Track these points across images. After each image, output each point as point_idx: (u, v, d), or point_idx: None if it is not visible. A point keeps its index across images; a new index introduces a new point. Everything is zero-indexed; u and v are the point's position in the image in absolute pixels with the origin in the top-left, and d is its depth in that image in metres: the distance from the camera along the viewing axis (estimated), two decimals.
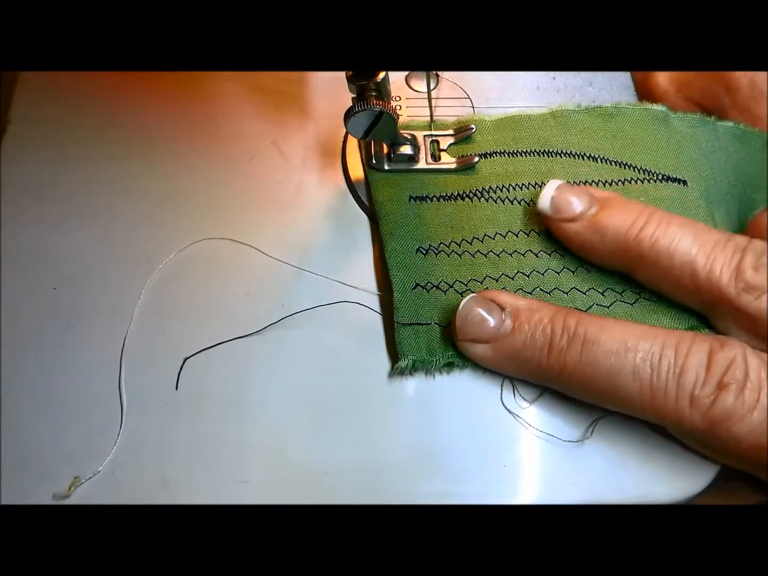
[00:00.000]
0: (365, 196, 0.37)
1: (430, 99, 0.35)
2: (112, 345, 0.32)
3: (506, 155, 0.37)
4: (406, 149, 0.36)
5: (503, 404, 0.32)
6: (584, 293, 0.34)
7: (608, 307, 0.33)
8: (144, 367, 0.32)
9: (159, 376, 0.32)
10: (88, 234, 0.35)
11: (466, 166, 0.37)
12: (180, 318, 0.33)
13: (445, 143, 0.37)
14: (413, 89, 0.40)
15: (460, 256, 0.34)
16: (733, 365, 0.28)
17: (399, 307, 0.33)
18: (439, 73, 0.41)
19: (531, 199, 0.36)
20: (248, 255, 0.35)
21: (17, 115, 0.38)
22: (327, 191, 0.37)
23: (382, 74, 0.32)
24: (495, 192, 0.36)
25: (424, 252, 0.34)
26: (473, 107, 0.40)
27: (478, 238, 0.35)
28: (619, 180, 0.36)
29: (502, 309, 0.31)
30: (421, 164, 0.37)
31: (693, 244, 0.30)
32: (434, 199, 0.36)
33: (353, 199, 0.37)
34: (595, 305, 0.33)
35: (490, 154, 0.37)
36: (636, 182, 0.36)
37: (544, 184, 0.36)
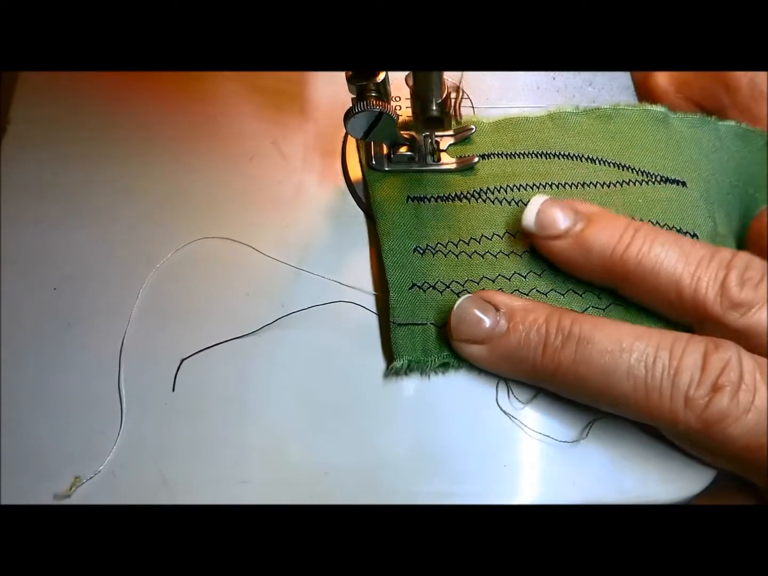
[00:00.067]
0: (365, 196, 0.37)
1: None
2: (113, 345, 0.32)
3: (504, 157, 0.37)
4: (406, 150, 0.36)
5: (498, 405, 0.32)
6: (581, 295, 0.34)
7: (604, 310, 0.33)
8: (144, 367, 0.32)
9: (159, 376, 0.32)
10: (88, 234, 0.35)
11: (465, 167, 0.37)
12: (180, 318, 0.33)
13: (444, 144, 0.37)
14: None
15: (457, 256, 0.35)
16: (728, 367, 0.28)
17: (395, 306, 0.33)
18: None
19: (529, 200, 0.36)
20: (248, 255, 0.35)
21: (17, 115, 0.38)
22: (327, 191, 0.37)
23: (382, 74, 0.32)
24: (493, 193, 0.36)
25: (422, 252, 0.34)
26: (473, 107, 0.40)
27: (475, 239, 0.35)
28: (618, 182, 0.36)
29: (497, 309, 0.31)
30: (421, 165, 0.37)
31: (678, 263, 0.30)
32: (432, 199, 0.36)
33: (353, 200, 0.37)
34: (591, 307, 0.33)
35: (489, 156, 0.37)
36: (634, 184, 0.36)
37: (542, 186, 0.36)
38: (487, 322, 0.31)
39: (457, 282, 0.34)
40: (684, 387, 0.28)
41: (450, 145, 0.38)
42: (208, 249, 0.35)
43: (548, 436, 0.32)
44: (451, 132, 0.38)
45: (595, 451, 0.32)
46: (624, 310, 0.33)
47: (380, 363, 0.33)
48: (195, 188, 0.37)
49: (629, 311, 0.33)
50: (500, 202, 0.36)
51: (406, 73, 0.40)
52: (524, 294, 0.33)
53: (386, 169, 0.37)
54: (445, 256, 0.34)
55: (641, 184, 0.36)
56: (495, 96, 0.41)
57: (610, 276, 0.32)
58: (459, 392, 0.33)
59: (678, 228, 0.35)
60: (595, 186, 0.36)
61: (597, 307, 0.33)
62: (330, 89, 0.40)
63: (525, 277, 0.34)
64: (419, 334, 0.33)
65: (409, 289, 0.33)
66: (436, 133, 0.37)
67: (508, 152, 0.37)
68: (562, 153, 0.37)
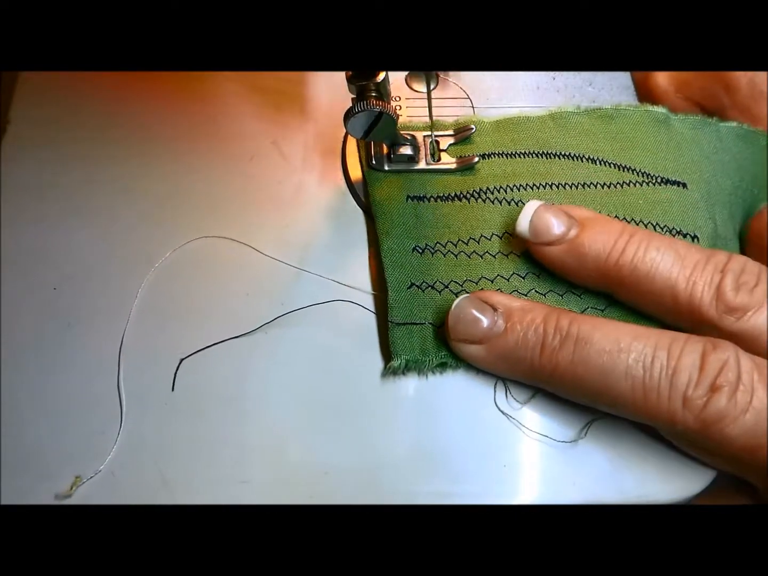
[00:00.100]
0: (364, 195, 0.37)
1: (429, 99, 0.35)
2: (113, 345, 0.32)
3: (504, 156, 0.37)
4: (406, 150, 0.36)
5: (496, 405, 0.32)
6: (579, 296, 0.34)
7: (602, 311, 0.33)
8: (144, 367, 0.32)
9: (159, 376, 0.32)
10: (88, 234, 0.35)
11: (465, 167, 0.37)
12: (180, 317, 0.33)
13: (444, 143, 0.37)
14: (413, 89, 0.40)
15: (456, 256, 0.34)
16: (726, 367, 0.28)
17: (393, 306, 0.33)
18: (439, 73, 0.41)
19: (528, 200, 0.35)
20: (248, 255, 0.35)
21: (17, 115, 0.38)
22: (327, 191, 0.37)
23: (382, 74, 0.32)
24: (492, 193, 0.36)
25: (420, 251, 0.34)
26: (473, 107, 0.40)
27: (474, 239, 0.35)
28: (618, 183, 0.36)
29: (495, 309, 0.31)
30: (421, 164, 0.37)
31: (673, 267, 0.30)
32: (432, 199, 0.36)
33: (353, 199, 0.37)
34: (589, 308, 0.33)
35: (489, 156, 0.37)
36: (635, 185, 0.36)
37: (542, 186, 0.36)
38: (485, 322, 0.31)
39: (455, 282, 0.34)
40: (682, 387, 0.28)
41: (450, 144, 0.37)
42: (208, 249, 0.35)
43: (547, 437, 0.32)
44: (451, 132, 0.38)
45: (595, 451, 0.32)
46: (622, 311, 0.33)
47: (380, 363, 0.33)
48: (195, 188, 0.37)
49: (627, 312, 0.33)
50: (500, 203, 0.36)
51: (406, 73, 0.40)
52: (523, 294, 0.33)
53: (386, 168, 0.37)
54: (444, 256, 0.34)
55: (642, 185, 0.36)
56: (495, 96, 0.41)
57: (605, 281, 0.32)
58: (459, 392, 0.33)
59: (678, 229, 0.35)
60: (596, 186, 0.36)
61: (595, 308, 0.33)
62: (330, 89, 0.40)
63: (524, 278, 0.34)
64: (417, 334, 0.33)
65: (408, 288, 0.33)
66: (436, 133, 0.37)
67: (509, 152, 0.37)
68: (562, 153, 0.37)
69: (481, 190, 0.36)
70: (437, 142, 0.37)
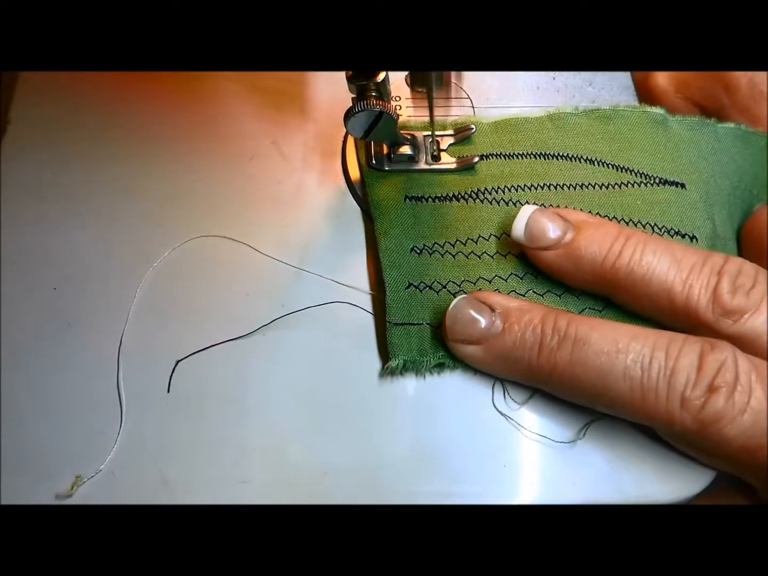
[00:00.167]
0: (363, 196, 0.37)
1: (431, 99, 0.35)
2: (113, 345, 0.32)
3: (503, 157, 0.37)
4: (406, 149, 0.36)
5: (494, 406, 0.32)
6: (577, 297, 0.34)
7: (600, 311, 0.33)
8: (143, 367, 0.32)
9: (158, 376, 0.32)
10: (88, 234, 0.35)
11: (466, 167, 0.37)
12: (179, 317, 0.33)
13: (445, 143, 0.37)
14: (417, 90, 0.40)
15: (453, 256, 0.35)
16: (724, 368, 0.28)
17: (391, 306, 0.33)
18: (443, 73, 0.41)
19: (527, 201, 0.36)
20: (248, 255, 0.35)
21: (17, 115, 0.38)
22: (327, 191, 0.37)
23: (382, 74, 0.32)
24: (490, 193, 0.36)
25: (418, 251, 0.34)
26: (473, 107, 0.40)
27: (472, 239, 0.35)
28: (616, 183, 0.36)
29: (493, 310, 0.31)
30: (421, 164, 0.37)
31: (669, 270, 0.30)
32: (430, 199, 0.36)
33: (353, 199, 0.37)
34: (587, 308, 0.33)
35: (487, 156, 0.37)
36: (633, 186, 0.36)
37: (541, 186, 0.36)
38: (483, 322, 0.31)
39: (453, 282, 0.34)
40: (680, 387, 0.28)
41: (450, 144, 0.37)
42: (208, 249, 0.35)
43: (545, 437, 0.32)
44: (451, 132, 0.38)
45: (594, 451, 0.32)
46: (620, 311, 0.33)
47: (379, 363, 0.33)
48: (195, 188, 0.37)
49: (625, 312, 0.33)
50: (498, 203, 0.36)
51: (406, 73, 0.40)
52: (521, 295, 0.33)
53: (386, 168, 0.37)
54: (442, 257, 0.34)
55: (640, 186, 0.36)
56: (495, 96, 0.40)
57: (602, 285, 0.32)
58: (458, 392, 0.33)
59: (677, 230, 0.35)
60: (594, 187, 0.36)
61: (593, 308, 0.33)
62: (330, 89, 0.40)
63: (521, 278, 0.34)
64: (415, 334, 0.33)
65: (406, 288, 0.33)
66: (437, 133, 0.37)
67: (507, 153, 0.37)
68: (561, 154, 0.37)
69: (479, 190, 0.36)
70: (437, 142, 0.37)
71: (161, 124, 0.38)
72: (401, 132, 0.36)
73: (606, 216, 0.35)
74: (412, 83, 0.36)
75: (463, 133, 0.38)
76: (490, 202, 0.36)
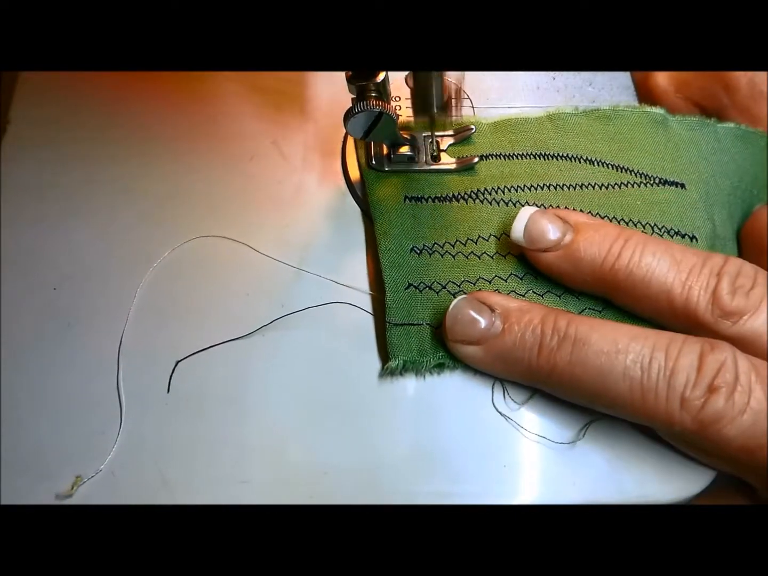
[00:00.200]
0: (363, 196, 0.37)
1: (431, 99, 0.35)
2: (113, 345, 0.33)
3: (503, 157, 0.37)
4: (405, 150, 0.36)
5: (494, 406, 0.32)
6: (577, 297, 0.33)
7: (600, 311, 0.33)
8: (143, 367, 0.32)
9: (158, 376, 0.32)
10: (88, 234, 0.35)
11: (465, 167, 0.37)
12: (179, 317, 0.33)
13: (444, 144, 0.37)
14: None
15: (453, 257, 0.35)
16: (724, 368, 0.28)
17: (391, 306, 0.33)
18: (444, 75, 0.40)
19: (526, 201, 0.36)
20: (248, 255, 0.35)
21: (17, 115, 0.38)
22: (327, 191, 0.37)
23: (382, 74, 0.32)
24: (490, 194, 0.36)
25: (418, 252, 0.34)
26: (473, 107, 0.40)
27: (472, 240, 0.35)
28: (616, 183, 0.36)
29: (493, 310, 0.31)
30: (421, 165, 0.37)
31: (669, 271, 0.30)
32: (430, 200, 0.36)
33: (353, 200, 0.37)
34: (587, 309, 0.33)
35: (487, 157, 0.37)
36: (633, 186, 0.36)
37: (540, 187, 0.36)
38: (482, 322, 0.31)
39: (453, 282, 0.34)
40: (680, 388, 0.28)
41: (450, 145, 0.38)
42: (208, 249, 0.35)
43: (545, 437, 0.32)
44: (451, 132, 0.38)
45: (594, 452, 0.32)
46: (620, 312, 0.33)
47: (379, 363, 0.33)
48: (195, 188, 0.37)
49: (625, 313, 0.33)
50: (498, 203, 0.36)
51: (406, 73, 0.40)
52: (520, 295, 0.33)
53: (386, 169, 0.37)
54: (442, 257, 0.34)
55: (640, 186, 0.36)
56: (495, 96, 0.41)
57: (601, 286, 0.32)
58: (459, 392, 0.33)
59: (677, 230, 0.35)
60: (594, 187, 0.36)
61: (593, 309, 0.33)
62: (330, 89, 0.40)
63: (521, 279, 0.34)
64: (415, 335, 0.33)
65: (405, 289, 0.33)
66: (437, 133, 0.37)
67: (507, 153, 0.37)
68: (560, 154, 0.37)
69: (479, 191, 0.36)
70: (437, 143, 0.37)
71: (161, 124, 0.38)
72: (401, 132, 0.36)
73: (606, 216, 0.35)
74: (415, 114, 0.35)
75: (462, 134, 0.38)
76: (490, 203, 0.36)
